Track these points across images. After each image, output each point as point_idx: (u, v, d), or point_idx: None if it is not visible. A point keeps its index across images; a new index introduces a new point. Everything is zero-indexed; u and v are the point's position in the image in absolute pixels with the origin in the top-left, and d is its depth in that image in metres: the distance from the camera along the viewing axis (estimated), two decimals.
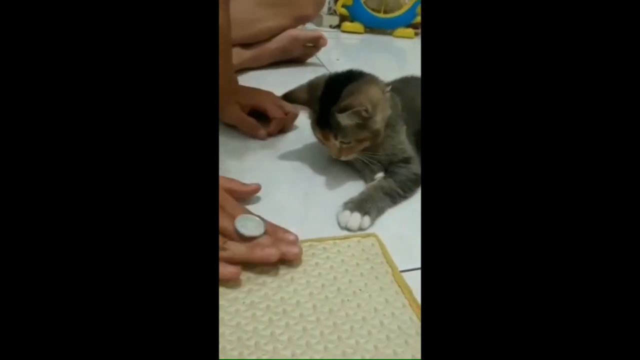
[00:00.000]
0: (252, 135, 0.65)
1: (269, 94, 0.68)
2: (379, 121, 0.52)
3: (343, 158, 0.54)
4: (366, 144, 0.53)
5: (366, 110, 0.50)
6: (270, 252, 0.38)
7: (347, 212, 0.48)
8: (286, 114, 0.66)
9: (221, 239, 0.39)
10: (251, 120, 0.65)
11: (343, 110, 0.49)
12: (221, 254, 0.38)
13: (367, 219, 0.48)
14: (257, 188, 0.50)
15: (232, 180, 0.48)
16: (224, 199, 0.43)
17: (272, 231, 0.42)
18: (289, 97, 0.56)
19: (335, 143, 0.53)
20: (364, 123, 0.51)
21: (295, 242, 0.41)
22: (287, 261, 0.40)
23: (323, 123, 0.53)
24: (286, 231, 0.42)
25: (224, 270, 0.37)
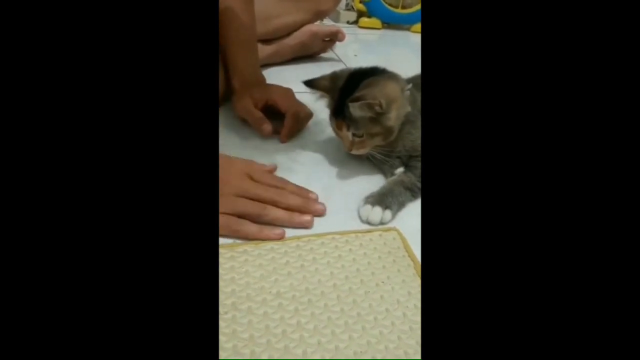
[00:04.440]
0: (257, 129, 0.63)
1: (286, 90, 0.67)
2: (392, 118, 0.52)
3: (354, 152, 0.55)
4: (378, 139, 0.53)
5: (380, 105, 0.50)
6: (307, 219, 0.46)
7: (369, 206, 0.48)
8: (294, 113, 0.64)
9: (261, 206, 0.45)
10: (257, 114, 0.63)
11: (355, 100, 0.50)
12: (264, 218, 0.44)
13: (388, 213, 0.48)
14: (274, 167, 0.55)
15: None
16: (253, 170, 0.49)
17: (298, 192, 0.49)
18: (311, 83, 0.57)
19: (348, 135, 0.53)
20: (377, 118, 0.51)
21: (317, 199, 0.50)
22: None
23: (338, 113, 0.54)
24: (308, 191, 0.50)
25: (270, 232, 0.43)
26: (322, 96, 0.57)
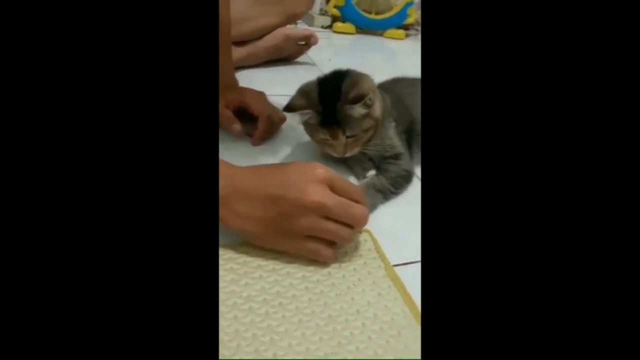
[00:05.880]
0: (227, 128, 0.62)
1: (259, 93, 0.67)
2: (378, 108, 0.54)
3: (349, 154, 0.54)
4: (370, 133, 0.54)
5: (370, 98, 0.51)
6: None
7: None
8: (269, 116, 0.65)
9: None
10: (228, 113, 0.63)
11: (355, 101, 0.50)
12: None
13: None
14: None
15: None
16: (333, 178, 0.40)
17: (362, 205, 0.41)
18: (289, 107, 0.55)
19: (342, 139, 0.53)
20: (368, 111, 0.52)
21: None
22: (283, 256, 0.42)
23: (329, 122, 0.52)
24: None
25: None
26: (305, 114, 0.54)
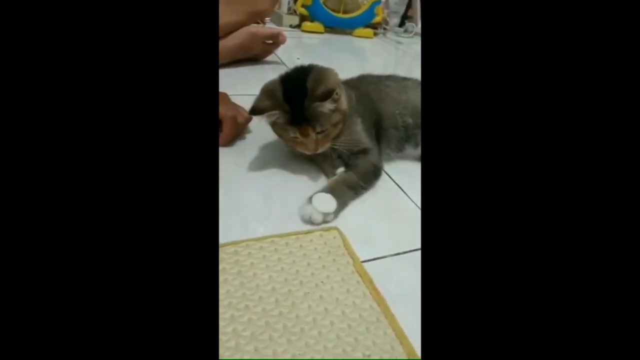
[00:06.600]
0: None
1: (222, 94, 0.65)
2: (344, 101, 0.53)
3: (320, 150, 0.53)
4: (339, 127, 0.53)
5: (337, 93, 0.51)
6: None
7: (310, 207, 0.48)
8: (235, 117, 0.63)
9: None
10: None
11: (324, 97, 0.49)
12: None
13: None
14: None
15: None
16: None
17: None
18: (255, 110, 0.53)
19: (313, 136, 0.52)
20: (336, 105, 0.51)
21: None
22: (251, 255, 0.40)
23: (298, 120, 0.51)
24: None
25: None
26: (272, 115, 0.52)
